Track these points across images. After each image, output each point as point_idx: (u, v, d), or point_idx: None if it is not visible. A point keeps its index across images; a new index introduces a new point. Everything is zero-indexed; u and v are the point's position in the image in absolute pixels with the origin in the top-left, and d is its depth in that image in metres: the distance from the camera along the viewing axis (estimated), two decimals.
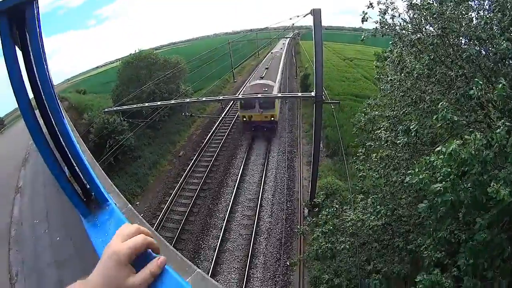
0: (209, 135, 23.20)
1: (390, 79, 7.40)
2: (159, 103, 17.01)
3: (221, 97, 20.39)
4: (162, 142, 22.28)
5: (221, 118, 25.80)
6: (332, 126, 20.33)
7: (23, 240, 3.85)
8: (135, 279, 0.85)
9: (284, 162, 18.96)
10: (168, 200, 15.74)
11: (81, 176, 1.20)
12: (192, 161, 19.19)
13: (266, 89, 20.28)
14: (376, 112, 8.54)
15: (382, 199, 6.42)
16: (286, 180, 17.05)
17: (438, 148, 3.59)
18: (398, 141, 5.96)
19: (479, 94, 4.01)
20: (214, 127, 24.60)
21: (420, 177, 3.50)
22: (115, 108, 17.50)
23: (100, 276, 0.85)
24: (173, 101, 17.29)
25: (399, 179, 6.29)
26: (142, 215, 15.22)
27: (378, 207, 5.97)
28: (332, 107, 15.75)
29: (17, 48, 0.91)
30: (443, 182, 3.41)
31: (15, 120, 21.47)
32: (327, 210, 7.65)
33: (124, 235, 0.91)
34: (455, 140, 3.47)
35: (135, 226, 0.95)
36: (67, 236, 3.74)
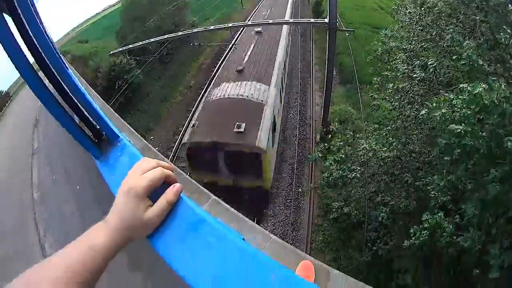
0: (220, 62, 21.98)
1: (409, 12, 7.01)
2: (165, 36, 16.32)
3: (230, 24, 16.47)
4: (172, 75, 21.95)
5: (231, 45, 24.83)
6: (346, 53, 19.50)
7: (46, 200, 3.90)
8: (153, 210, 0.83)
9: (296, 88, 18.67)
10: (181, 131, 15.79)
11: (90, 119, 1.20)
12: (203, 90, 18.76)
13: (246, 110, 10.95)
14: (393, 44, 8.14)
15: (395, 131, 6.40)
16: (299, 105, 16.93)
17: (462, 85, 3.42)
18: (415, 75, 5.79)
19: (508, 42, 3.78)
20: (224, 55, 23.41)
21: (443, 111, 3.39)
22: (120, 49, 17.05)
23: (118, 213, 0.83)
24: (180, 33, 16.64)
25: (413, 114, 6.19)
26: (157, 148, 15.53)
27: (390, 138, 5.96)
28: (347, 34, 14.94)
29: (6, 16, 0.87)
30: (463, 125, 3.28)
31: (20, 87, 22.05)
32: (340, 137, 7.67)
33: (142, 169, 0.87)
34: (480, 83, 3.31)
35: (154, 160, 0.91)
36: (87, 183, 3.79)
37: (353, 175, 7.21)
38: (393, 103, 6.63)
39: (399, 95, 6.43)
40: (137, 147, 4.08)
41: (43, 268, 0.71)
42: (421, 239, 4.63)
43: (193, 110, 16.56)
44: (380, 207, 6.92)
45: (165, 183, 0.88)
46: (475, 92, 3.23)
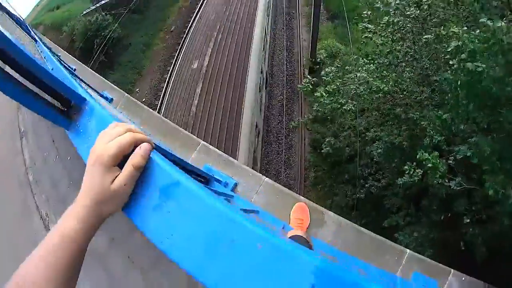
0: (199, 4, 21.26)
1: None
2: None
3: None
4: (151, 23, 20.99)
5: None
6: None
7: (41, 179, 3.82)
8: (119, 179, 0.72)
9: (281, 24, 18.03)
10: (166, 78, 15.34)
11: (54, 88, 1.06)
12: (185, 33, 17.90)
13: None
14: None
15: (388, 66, 6.22)
16: (285, 40, 16.46)
17: (482, 20, 3.11)
18: (408, 13, 5.52)
19: None
20: None
21: (459, 43, 3.15)
22: (93, 7, 16.56)
23: (85, 188, 0.75)
24: None
25: (404, 50, 5.98)
26: (144, 99, 15.25)
27: (384, 72, 5.80)
28: None
29: None
30: (479, 63, 3.05)
31: None
32: (330, 68, 7.47)
33: (111, 135, 0.76)
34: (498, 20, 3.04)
35: (124, 125, 0.79)
36: (77, 155, 3.71)
37: (343, 107, 7.09)
38: (384, 37, 6.39)
39: (392, 29, 6.17)
40: (121, 103, 3.95)
41: (26, 269, 0.66)
42: (415, 177, 4.65)
43: (176, 55, 16.03)
44: (371, 143, 6.92)
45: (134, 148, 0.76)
46: (496, 25, 2.97)
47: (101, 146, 0.75)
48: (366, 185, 8.69)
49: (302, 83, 11.73)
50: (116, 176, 0.73)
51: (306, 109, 12.61)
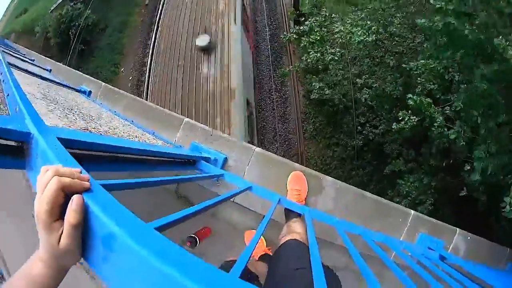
0: None
1: None
2: None
3: None
4: (124, 1, 19.68)
5: None
6: None
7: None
8: (63, 238, 0.67)
9: None
10: (149, 53, 14.70)
11: None
12: (161, 3, 17.49)
13: None
14: None
15: (374, 14, 5.96)
16: None
17: None
18: None
19: None
20: None
21: None
22: (59, 1, 15.66)
23: (41, 244, 0.71)
24: None
25: None
26: (130, 77, 14.96)
27: (368, 22, 5.56)
28: None
29: None
30: (444, 1, 2.94)
31: None
32: (313, 18, 7.20)
33: (40, 186, 0.69)
34: None
35: (52, 169, 0.71)
36: None
37: (330, 57, 6.89)
38: None
39: None
40: (100, 93, 3.80)
41: None
42: (409, 124, 4.57)
43: (154, 28, 15.41)
44: (364, 89, 6.78)
45: (70, 195, 0.68)
46: None
47: (36, 202, 0.68)
48: (364, 132, 8.64)
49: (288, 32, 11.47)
50: (60, 231, 0.67)
51: (295, 61, 12.33)
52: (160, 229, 0.82)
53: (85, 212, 0.66)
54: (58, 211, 0.67)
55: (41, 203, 0.66)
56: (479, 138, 3.73)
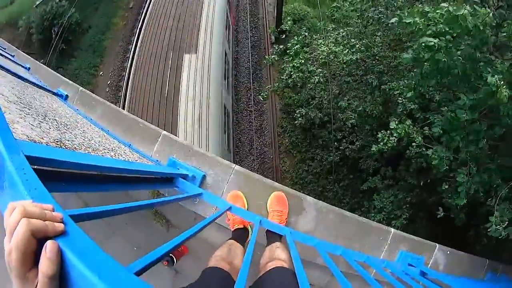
0: None
1: None
2: None
3: None
4: (108, 2, 19.61)
5: None
6: None
7: None
8: None
9: None
10: (129, 57, 14.61)
11: None
12: (145, 8, 17.30)
13: None
14: None
15: (357, 33, 6.02)
16: (249, 5, 15.86)
17: (443, 4, 3.00)
18: None
19: None
20: None
21: (416, 19, 3.04)
22: None
23: None
24: None
25: (376, 16, 5.77)
26: (108, 82, 14.70)
27: (352, 40, 5.61)
28: None
29: None
30: (437, 39, 2.98)
31: None
32: (295, 38, 7.22)
33: (9, 229, 0.59)
34: (463, 4, 2.96)
35: (19, 209, 0.60)
36: None
37: (313, 78, 6.94)
38: (354, 4, 6.14)
39: None
40: (76, 99, 3.66)
41: None
42: (389, 145, 4.61)
43: (137, 31, 15.21)
44: (348, 112, 6.84)
45: (42, 238, 0.59)
46: (459, 13, 2.87)
47: (5, 245, 0.59)
48: (341, 147, 8.71)
49: (269, 52, 11.53)
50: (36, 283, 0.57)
51: (275, 74, 12.38)
52: (145, 269, 0.73)
53: (61, 259, 0.58)
54: (32, 258, 0.58)
55: (12, 251, 0.57)
56: (459, 159, 3.78)
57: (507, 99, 2.80)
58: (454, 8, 2.91)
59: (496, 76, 2.85)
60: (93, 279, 0.53)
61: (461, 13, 2.86)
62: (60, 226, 0.62)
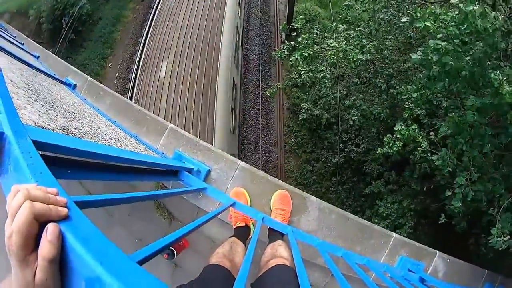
0: None
1: None
2: None
3: None
4: None
5: None
6: None
7: None
8: (38, 275, 0.56)
9: None
10: (138, 50, 14.51)
11: None
12: (156, 1, 17.30)
13: None
14: None
15: (368, 34, 5.98)
16: (260, 3, 15.82)
17: (452, 1, 3.04)
18: None
19: None
20: None
21: (427, 24, 3.01)
22: None
23: (13, 278, 0.60)
24: None
25: (387, 18, 5.75)
26: (117, 74, 14.78)
27: (363, 41, 5.57)
28: None
29: None
30: (445, 42, 2.98)
31: None
32: (307, 34, 7.19)
33: (12, 211, 0.58)
34: (474, 4, 2.93)
35: (23, 192, 0.60)
36: None
37: (321, 75, 6.90)
38: (366, 5, 6.12)
39: None
40: (84, 88, 3.68)
41: None
42: (394, 148, 4.59)
43: (147, 25, 15.26)
44: (352, 110, 6.80)
45: (45, 222, 0.58)
46: (467, 9, 2.83)
47: (6, 228, 0.58)
48: (346, 150, 8.70)
49: (279, 48, 11.48)
50: (34, 267, 0.57)
51: (283, 73, 12.36)
52: (147, 259, 0.72)
53: (62, 243, 0.57)
54: (33, 242, 0.57)
55: (13, 234, 0.56)
56: (462, 165, 3.77)
57: (510, 95, 2.77)
58: (463, 4, 2.89)
59: (499, 73, 2.84)
60: (94, 266, 0.52)
61: (471, 9, 2.83)
62: (64, 211, 0.61)
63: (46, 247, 0.55)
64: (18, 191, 0.60)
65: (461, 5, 2.90)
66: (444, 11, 3.02)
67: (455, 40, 2.98)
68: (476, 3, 3.03)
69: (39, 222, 0.58)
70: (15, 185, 0.63)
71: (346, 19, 7.02)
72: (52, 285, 0.57)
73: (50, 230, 0.56)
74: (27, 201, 0.57)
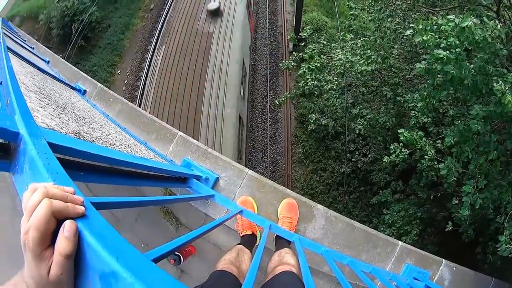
0: None
1: None
2: None
3: None
4: (129, 2, 19.85)
5: None
6: None
7: None
8: (53, 269, 0.58)
9: None
10: (147, 58, 14.61)
11: None
12: (165, 10, 17.42)
13: None
14: None
15: (374, 44, 6.01)
16: (268, 14, 15.94)
17: (450, 16, 3.04)
18: None
19: None
20: None
21: (425, 38, 3.02)
22: None
23: (27, 271, 0.61)
24: None
25: (393, 27, 5.79)
26: (125, 81, 14.89)
27: (368, 51, 5.60)
28: None
29: None
30: (447, 52, 2.99)
31: None
32: (314, 45, 7.24)
33: (29, 209, 0.59)
34: (471, 17, 2.94)
35: (41, 190, 0.61)
36: None
37: (329, 86, 6.93)
38: (372, 14, 6.16)
39: (379, 7, 5.91)
40: (94, 94, 3.72)
41: None
42: (400, 156, 4.59)
43: (156, 34, 15.31)
44: (358, 119, 6.80)
45: (62, 219, 0.60)
46: (464, 25, 2.87)
47: (23, 225, 0.59)
48: (353, 159, 8.68)
49: (286, 59, 11.53)
50: (50, 261, 0.58)
51: (291, 83, 12.40)
52: (160, 258, 0.74)
53: (79, 240, 0.58)
54: (49, 239, 0.59)
55: (30, 230, 0.57)
56: (469, 173, 3.76)
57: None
58: (460, 20, 2.92)
59: (502, 82, 2.85)
60: (110, 261, 0.53)
61: (466, 24, 2.86)
62: (81, 209, 0.63)
63: (63, 242, 0.56)
64: (36, 189, 0.62)
65: (456, 20, 2.93)
66: (445, 22, 3.04)
67: (456, 50, 2.99)
68: (474, 16, 3.05)
69: (57, 219, 0.59)
70: (33, 183, 0.64)
71: (351, 28, 7.03)
72: (66, 281, 0.58)
73: (68, 226, 0.58)
74: (46, 199, 0.59)
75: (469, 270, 3.00)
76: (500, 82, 2.87)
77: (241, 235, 2.61)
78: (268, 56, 13.76)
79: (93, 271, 0.56)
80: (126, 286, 0.51)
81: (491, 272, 4.12)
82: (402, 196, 7.04)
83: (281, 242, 2.32)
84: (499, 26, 2.99)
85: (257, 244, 2.55)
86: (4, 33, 3.62)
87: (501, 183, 3.74)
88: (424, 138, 4.34)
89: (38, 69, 3.12)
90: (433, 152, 4.30)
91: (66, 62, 4.68)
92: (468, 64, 3.08)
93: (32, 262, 0.58)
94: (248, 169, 2.86)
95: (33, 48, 5.31)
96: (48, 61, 4.63)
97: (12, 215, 3.26)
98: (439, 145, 4.44)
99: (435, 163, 4.33)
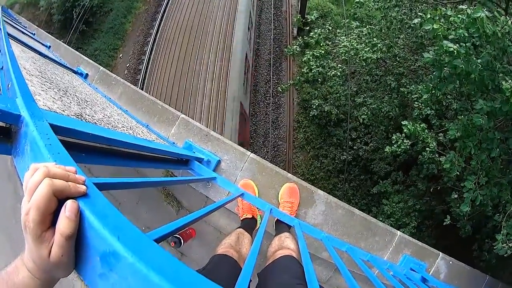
0: None
1: None
2: None
3: None
4: None
5: None
6: None
7: None
8: (54, 250, 0.57)
9: None
10: (150, 41, 14.41)
11: None
12: None
13: None
14: None
15: (379, 32, 5.95)
16: None
17: (461, 6, 3.00)
18: None
19: None
20: None
21: (435, 26, 2.98)
22: None
23: (27, 252, 0.61)
24: None
25: (399, 17, 5.71)
26: (128, 65, 14.79)
27: (374, 39, 5.54)
28: None
29: None
30: (457, 45, 2.94)
31: None
32: (320, 30, 7.17)
33: (30, 189, 0.58)
34: (482, 8, 2.88)
35: (43, 169, 0.60)
36: None
37: (333, 72, 6.89)
38: (378, 3, 6.07)
39: None
40: (96, 78, 3.71)
41: None
42: (402, 147, 4.59)
43: (158, 17, 14.95)
44: (362, 108, 6.78)
45: (63, 199, 0.59)
46: (475, 16, 2.83)
47: (23, 206, 0.59)
48: (355, 147, 8.68)
49: (291, 44, 11.41)
50: (51, 242, 0.58)
51: (295, 68, 12.32)
52: (161, 239, 0.74)
53: (80, 220, 0.58)
54: (50, 219, 0.58)
55: (30, 210, 0.57)
56: (470, 168, 3.75)
57: None
58: (472, 10, 2.87)
59: (510, 81, 2.83)
60: (111, 240, 0.53)
61: (479, 15, 2.81)
62: (82, 188, 0.62)
63: (65, 223, 0.56)
64: (36, 169, 0.61)
65: (469, 10, 2.88)
66: (454, 13, 3.00)
67: (467, 44, 2.95)
68: (485, 9, 2.99)
69: (58, 199, 0.59)
70: (34, 164, 0.64)
71: (356, 16, 6.94)
72: (66, 261, 0.58)
73: (69, 206, 0.57)
74: (47, 178, 0.58)
75: (465, 265, 3.02)
76: (509, 80, 2.85)
77: (241, 218, 2.63)
78: (272, 40, 13.64)
79: (93, 251, 0.56)
80: (126, 265, 0.51)
81: (486, 269, 4.15)
82: (402, 187, 7.05)
83: (281, 226, 2.34)
84: (509, 22, 2.94)
85: (257, 228, 2.56)
86: (5, 21, 3.60)
87: (501, 181, 3.75)
88: (426, 130, 4.34)
89: (40, 54, 3.11)
90: (435, 144, 4.30)
91: (67, 47, 4.65)
92: (475, 58, 3.04)
93: (32, 243, 0.58)
94: (250, 152, 2.86)
95: (34, 34, 5.28)
96: (49, 46, 4.61)
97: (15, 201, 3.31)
98: (441, 138, 4.42)
99: (437, 156, 4.32)
